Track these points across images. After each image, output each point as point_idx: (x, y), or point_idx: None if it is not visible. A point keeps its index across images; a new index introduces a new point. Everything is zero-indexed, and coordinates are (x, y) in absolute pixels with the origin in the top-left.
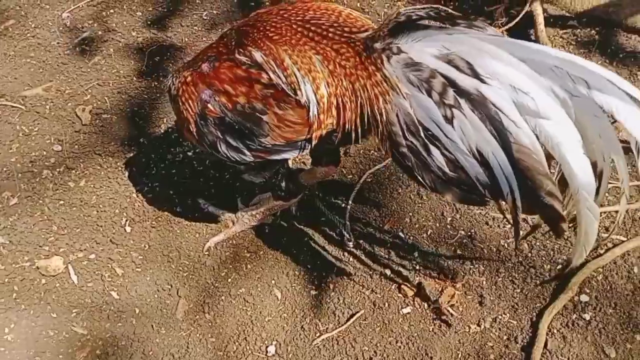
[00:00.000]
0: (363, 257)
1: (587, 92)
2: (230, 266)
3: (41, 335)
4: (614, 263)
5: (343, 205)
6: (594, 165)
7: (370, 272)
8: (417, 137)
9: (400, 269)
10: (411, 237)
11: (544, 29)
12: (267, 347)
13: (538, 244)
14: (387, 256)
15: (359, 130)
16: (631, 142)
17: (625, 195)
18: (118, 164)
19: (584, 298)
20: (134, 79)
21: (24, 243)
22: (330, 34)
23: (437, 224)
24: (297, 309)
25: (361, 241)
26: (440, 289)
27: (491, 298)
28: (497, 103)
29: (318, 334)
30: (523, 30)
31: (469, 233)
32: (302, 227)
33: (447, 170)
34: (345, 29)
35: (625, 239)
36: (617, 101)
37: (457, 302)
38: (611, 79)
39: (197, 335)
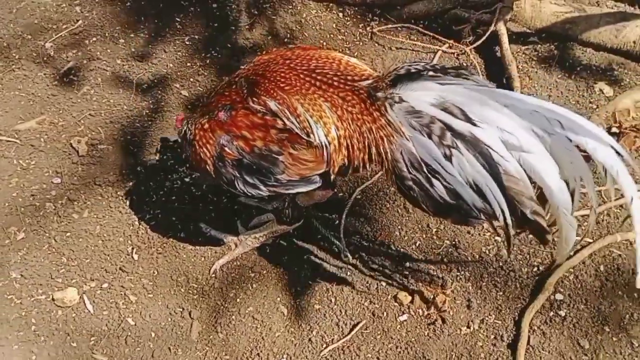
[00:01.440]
0: (359, 270)
1: (561, 130)
2: (237, 287)
3: None
4: (583, 263)
5: (337, 222)
6: (568, 186)
7: (368, 284)
8: (421, 172)
9: (394, 279)
10: (402, 249)
11: (508, 47)
12: None
13: (515, 249)
14: (381, 268)
15: (368, 166)
16: (599, 166)
17: (594, 209)
18: (118, 193)
19: (559, 297)
20: (125, 107)
21: (36, 276)
22: (335, 83)
23: (424, 235)
24: (303, 323)
25: (356, 255)
26: (432, 296)
27: (477, 302)
28: (488, 142)
29: (325, 346)
30: (489, 47)
31: (453, 242)
32: (300, 245)
33: (447, 198)
34: (348, 77)
35: (591, 240)
36: (587, 138)
37: (448, 307)
38: (581, 122)
39: (213, 354)
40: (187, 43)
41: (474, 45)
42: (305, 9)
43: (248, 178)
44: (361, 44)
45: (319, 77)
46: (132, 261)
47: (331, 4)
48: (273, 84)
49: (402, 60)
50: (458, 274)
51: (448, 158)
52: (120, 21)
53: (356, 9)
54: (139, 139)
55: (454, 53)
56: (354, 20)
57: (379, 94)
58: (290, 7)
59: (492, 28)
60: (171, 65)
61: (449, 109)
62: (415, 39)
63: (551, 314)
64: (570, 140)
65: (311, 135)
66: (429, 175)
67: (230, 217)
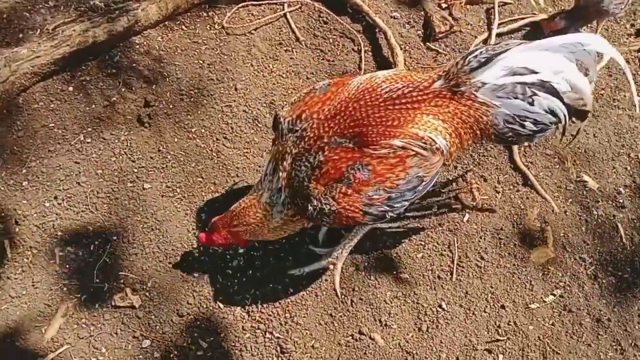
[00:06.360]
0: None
1: (581, 47)
2: (364, 291)
3: None
4: None
5: None
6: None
7: (431, 219)
8: (515, 123)
9: (443, 205)
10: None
11: None
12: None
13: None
14: (424, 207)
15: (472, 141)
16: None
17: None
18: (217, 296)
19: None
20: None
21: None
22: (420, 98)
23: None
24: (411, 293)
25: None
26: (470, 198)
27: (488, 174)
28: (548, 79)
29: (441, 296)
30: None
31: None
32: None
33: (534, 128)
34: (420, 87)
35: None
36: (594, 44)
37: (481, 194)
38: (591, 37)
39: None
40: None
41: None
42: (151, 42)
43: (397, 205)
44: (225, 43)
45: (403, 101)
46: (288, 324)
47: (168, 22)
48: (381, 127)
49: (275, 35)
50: (464, 168)
51: (531, 103)
52: None
53: (189, 14)
54: (168, 252)
55: (299, 7)
56: (199, 26)
57: (463, 88)
58: (137, 47)
59: None
60: None
61: (517, 71)
62: (257, 12)
63: (523, 153)
64: (586, 50)
65: (434, 145)
66: (520, 121)
67: (299, 248)
